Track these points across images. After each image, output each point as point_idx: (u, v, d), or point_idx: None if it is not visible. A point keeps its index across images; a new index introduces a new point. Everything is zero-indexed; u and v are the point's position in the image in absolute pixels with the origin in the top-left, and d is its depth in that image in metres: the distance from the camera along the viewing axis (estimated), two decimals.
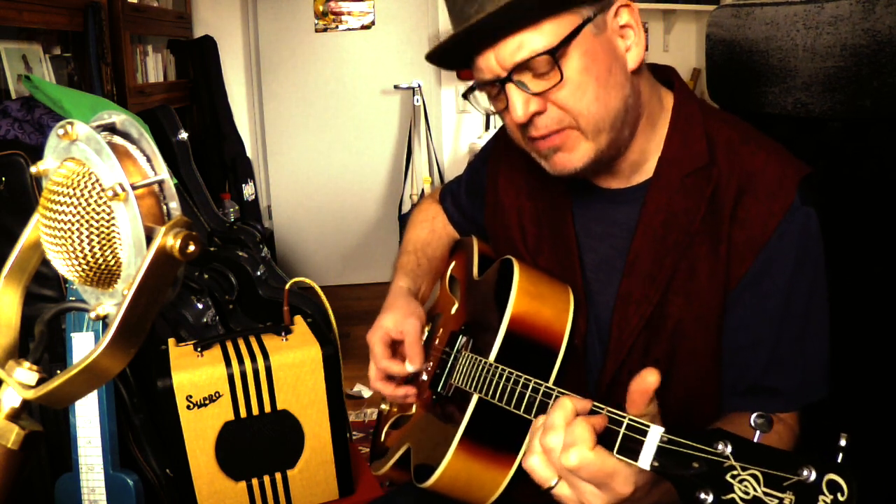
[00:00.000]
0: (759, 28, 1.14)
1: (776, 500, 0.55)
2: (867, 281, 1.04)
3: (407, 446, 1.04)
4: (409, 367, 1.01)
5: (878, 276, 1.03)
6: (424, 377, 1.07)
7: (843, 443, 0.55)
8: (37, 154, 1.10)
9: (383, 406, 1.23)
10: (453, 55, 0.87)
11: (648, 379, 0.67)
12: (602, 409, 0.68)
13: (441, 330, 1.10)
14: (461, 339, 1.01)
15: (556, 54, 0.79)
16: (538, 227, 1.01)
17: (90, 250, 0.51)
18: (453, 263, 1.18)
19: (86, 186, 0.51)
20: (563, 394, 0.75)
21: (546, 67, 0.81)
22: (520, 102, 0.82)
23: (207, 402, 1.26)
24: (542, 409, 0.76)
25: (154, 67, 3.22)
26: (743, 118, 0.93)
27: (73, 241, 0.51)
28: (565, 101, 0.82)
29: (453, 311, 1.10)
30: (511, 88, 0.82)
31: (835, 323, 0.88)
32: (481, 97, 0.90)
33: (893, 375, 1.02)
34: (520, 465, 0.90)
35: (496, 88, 0.85)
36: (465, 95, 0.91)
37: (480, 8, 0.79)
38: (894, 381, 1.02)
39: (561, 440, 0.66)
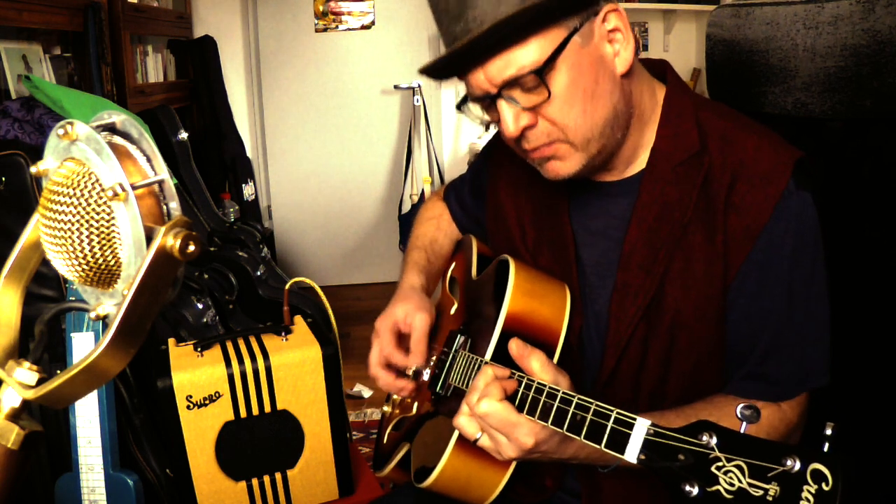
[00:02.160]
0: (759, 28, 1.14)
1: (761, 492, 0.56)
2: (867, 280, 1.04)
3: (407, 447, 1.04)
4: (412, 365, 1.01)
5: (878, 274, 1.03)
6: (426, 377, 1.07)
7: (828, 431, 0.55)
8: (37, 154, 1.10)
9: (385, 408, 1.23)
10: (445, 72, 0.87)
11: (511, 346, 0.83)
12: (514, 374, 0.81)
13: (441, 330, 1.10)
14: (459, 339, 1.02)
15: (542, 73, 0.80)
16: (537, 226, 1.01)
17: (90, 250, 0.51)
18: (453, 264, 1.18)
19: (86, 186, 0.51)
20: (487, 364, 0.85)
21: (534, 83, 0.81)
22: (511, 118, 0.83)
23: (207, 402, 1.26)
24: (534, 405, 0.77)
25: (154, 67, 3.21)
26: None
27: (73, 241, 0.51)
28: (554, 115, 0.83)
29: (452, 311, 1.10)
30: (502, 104, 0.83)
31: (836, 321, 0.88)
32: (475, 108, 0.90)
33: (893, 374, 1.02)
34: (518, 465, 0.90)
35: (487, 102, 0.86)
36: (459, 107, 0.92)
37: (465, 30, 0.80)
38: (894, 379, 1.02)
39: (478, 397, 0.79)
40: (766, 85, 1.15)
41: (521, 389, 0.79)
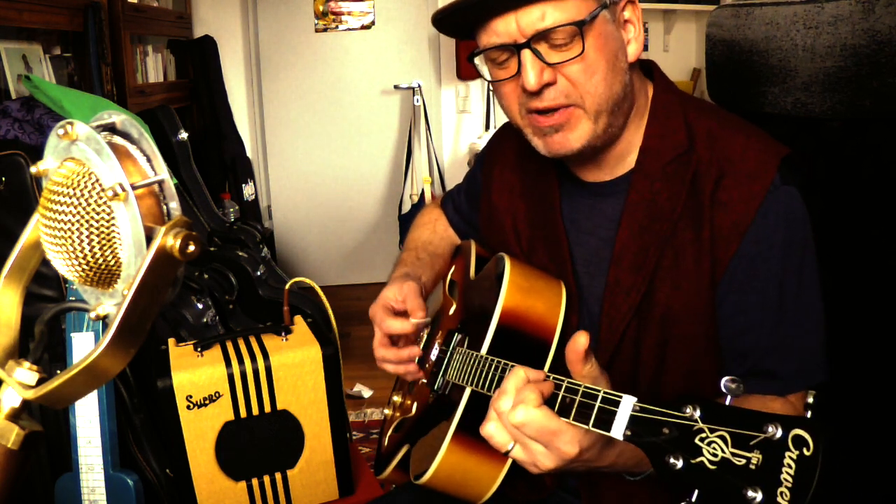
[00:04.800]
0: (758, 28, 1.14)
1: (743, 461, 0.55)
2: (867, 278, 1.04)
3: (407, 447, 1.04)
4: (414, 319, 1.00)
5: (877, 273, 1.03)
6: (424, 378, 1.07)
7: (810, 400, 0.56)
8: (37, 154, 1.10)
9: (386, 411, 1.23)
10: (466, 14, 0.87)
11: (579, 340, 0.70)
12: (561, 379, 0.71)
13: (440, 331, 1.11)
14: (457, 337, 1.02)
15: (582, 27, 0.82)
16: (531, 227, 1.02)
17: (90, 250, 0.51)
18: (453, 268, 1.18)
19: (86, 186, 0.51)
20: (513, 366, 0.78)
21: (566, 39, 0.83)
22: (535, 71, 0.83)
23: (207, 402, 1.26)
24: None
25: (154, 67, 3.21)
26: (743, 118, 0.94)
27: (73, 241, 0.51)
28: (577, 76, 0.84)
29: (451, 311, 1.10)
30: (527, 55, 0.84)
31: (836, 321, 0.88)
32: (483, 66, 0.91)
33: (893, 374, 1.02)
34: (515, 461, 0.90)
35: (506, 55, 0.87)
36: (471, 58, 0.92)
37: None
38: (894, 379, 1.02)
39: (511, 402, 0.69)
40: (765, 85, 1.15)
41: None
